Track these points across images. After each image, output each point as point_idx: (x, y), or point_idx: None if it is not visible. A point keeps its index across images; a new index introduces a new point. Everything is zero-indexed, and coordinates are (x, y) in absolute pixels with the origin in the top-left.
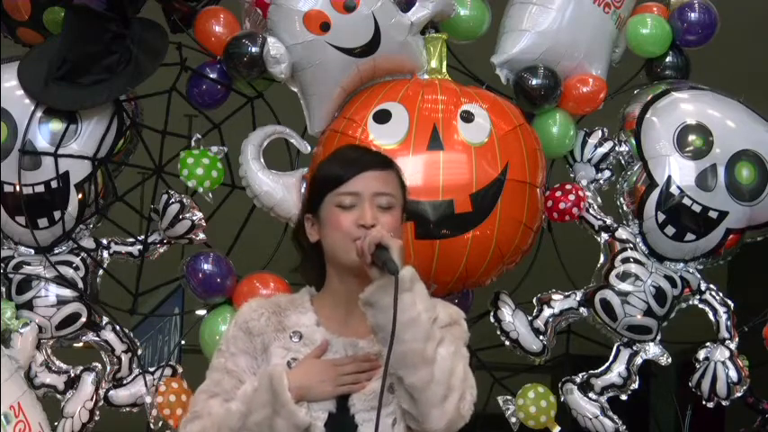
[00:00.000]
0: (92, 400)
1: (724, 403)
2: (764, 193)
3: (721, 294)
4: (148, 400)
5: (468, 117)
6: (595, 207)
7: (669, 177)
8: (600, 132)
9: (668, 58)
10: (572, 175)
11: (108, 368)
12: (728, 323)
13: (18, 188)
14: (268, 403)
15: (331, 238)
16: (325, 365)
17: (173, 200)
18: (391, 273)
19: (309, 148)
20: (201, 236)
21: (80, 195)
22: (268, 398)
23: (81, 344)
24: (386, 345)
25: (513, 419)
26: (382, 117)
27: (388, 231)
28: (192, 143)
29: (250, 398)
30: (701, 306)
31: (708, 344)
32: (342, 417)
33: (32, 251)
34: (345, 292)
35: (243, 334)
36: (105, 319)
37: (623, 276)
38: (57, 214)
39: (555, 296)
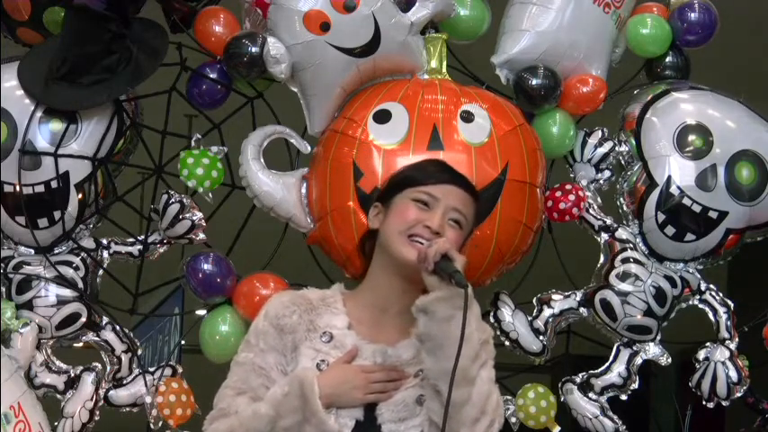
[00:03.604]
0: (92, 400)
1: (724, 403)
2: (764, 193)
3: (721, 294)
4: (148, 399)
5: (468, 117)
6: (595, 207)
7: (669, 177)
8: (600, 132)
9: (668, 58)
10: (572, 176)
11: (108, 368)
12: (728, 323)
13: (18, 188)
14: (298, 409)
15: (391, 225)
16: (355, 372)
17: (173, 200)
18: (460, 285)
19: (309, 148)
20: (201, 236)
21: (80, 195)
22: (299, 404)
23: (81, 344)
24: (431, 354)
25: (513, 419)
26: (382, 117)
27: (453, 247)
28: (192, 143)
29: (280, 402)
30: (700, 306)
31: (708, 344)
32: (369, 425)
33: (32, 251)
34: (384, 291)
35: (273, 330)
36: (105, 319)
37: (623, 276)
38: (57, 214)
39: (555, 296)
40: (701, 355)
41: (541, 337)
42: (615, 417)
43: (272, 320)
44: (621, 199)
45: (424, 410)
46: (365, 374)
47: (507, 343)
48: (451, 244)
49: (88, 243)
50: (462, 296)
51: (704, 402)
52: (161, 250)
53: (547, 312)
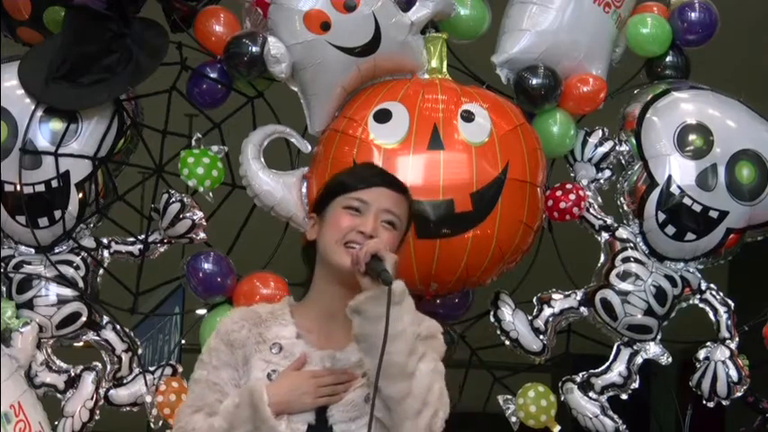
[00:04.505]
0: (92, 399)
1: (724, 403)
2: (765, 192)
3: (722, 294)
4: (149, 399)
5: (468, 116)
6: (596, 206)
7: (669, 177)
8: (600, 132)
9: (668, 58)
10: (572, 175)
11: (108, 367)
12: (729, 323)
13: (18, 187)
14: (249, 419)
15: (326, 235)
16: (304, 378)
17: (173, 199)
18: (385, 283)
19: (310, 148)
20: (202, 235)
21: (80, 195)
22: (249, 413)
23: (81, 343)
24: (368, 354)
25: (514, 419)
26: (383, 116)
27: (384, 247)
28: (193, 142)
29: (232, 414)
30: (701, 305)
31: (708, 343)
32: (321, 428)
33: (33, 250)
34: (328, 299)
35: (224, 346)
36: (106, 319)
37: (624, 276)
38: (57, 214)
39: (555, 295)
40: (702, 354)
41: (542, 337)
42: (615, 416)
43: (222, 337)
44: (622, 198)
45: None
46: (314, 379)
47: (507, 342)
48: (384, 244)
49: (89, 242)
50: (392, 295)
51: (704, 402)
52: (161, 249)
53: (547, 312)
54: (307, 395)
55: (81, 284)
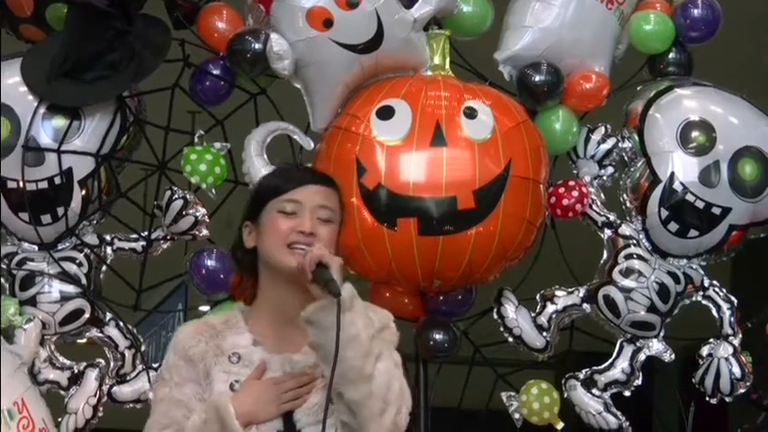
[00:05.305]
0: (95, 396)
1: (727, 399)
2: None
3: (724, 291)
4: (152, 396)
5: (471, 113)
6: (598, 203)
7: (672, 174)
8: (603, 129)
9: (671, 55)
10: (575, 172)
11: (111, 364)
12: (732, 319)
13: (21, 184)
14: None
15: (268, 241)
16: (266, 387)
17: (176, 196)
18: (334, 295)
19: (312, 145)
20: (205, 232)
21: (83, 192)
22: (218, 428)
23: (84, 340)
24: (325, 362)
25: (517, 415)
26: (385, 113)
27: (326, 244)
28: (196, 139)
29: (200, 430)
30: (704, 302)
31: (711, 340)
32: None
33: (36, 247)
34: (278, 302)
35: (184, 362)
36: (109, 316)
37: (627, 273)
38: (60, 210)
39: (558, 292)
40: (705, 351)
41: (545, 334)
42: (618, 413)
43: (180, 353)
44: (625, 195)
45: (336, 411)
46: (275, 386)
47: (510, 339)
48: (326, 242)
49: (91, 239)
50: (342, 302)
51: (707, 398)
52: (164, 246)
53: (550, 309)
54: (270, 404)
55: (84, 281)
